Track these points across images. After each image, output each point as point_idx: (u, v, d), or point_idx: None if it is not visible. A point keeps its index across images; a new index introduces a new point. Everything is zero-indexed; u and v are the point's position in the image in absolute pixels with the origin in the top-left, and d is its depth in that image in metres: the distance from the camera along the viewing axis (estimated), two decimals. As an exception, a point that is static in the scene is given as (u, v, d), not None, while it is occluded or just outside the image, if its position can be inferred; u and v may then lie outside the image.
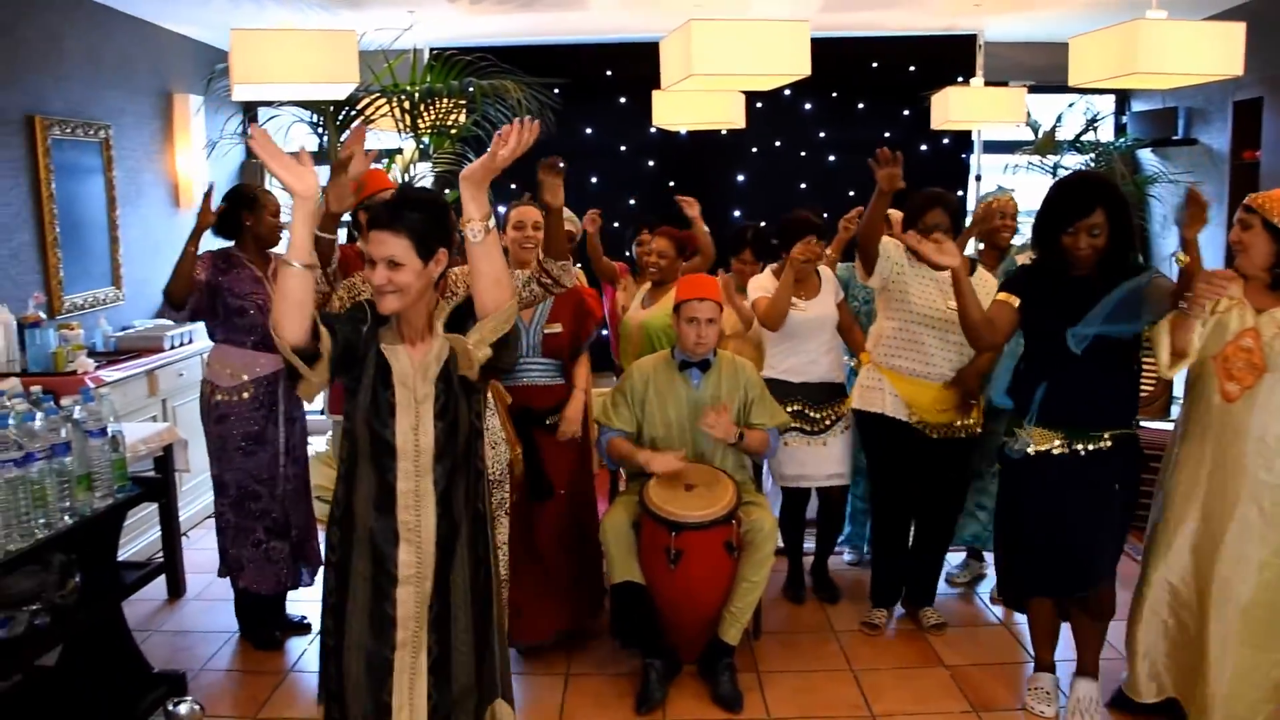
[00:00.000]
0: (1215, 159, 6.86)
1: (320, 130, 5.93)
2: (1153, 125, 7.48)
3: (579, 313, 4.14)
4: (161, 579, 4.33)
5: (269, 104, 6.24)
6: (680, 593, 3.77)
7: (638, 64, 6.46)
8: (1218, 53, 3.87)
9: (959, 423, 4.19)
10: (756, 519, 3.86)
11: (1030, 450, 3.34)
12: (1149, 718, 3.52)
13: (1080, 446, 3.29)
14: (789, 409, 4.37)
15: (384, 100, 5.75)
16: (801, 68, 3.85)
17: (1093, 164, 7.07)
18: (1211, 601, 3.29)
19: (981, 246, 4.76)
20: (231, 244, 4.23)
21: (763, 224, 5.46)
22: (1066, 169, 7.08)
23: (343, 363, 2.44)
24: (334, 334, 2.38)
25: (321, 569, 3.44)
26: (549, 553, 4.10)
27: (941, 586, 4.66)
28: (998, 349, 3.79)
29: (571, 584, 4.19)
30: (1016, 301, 3.36)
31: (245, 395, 4.13)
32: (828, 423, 4.52)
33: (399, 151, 6.26)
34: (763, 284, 4.55)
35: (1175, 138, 7.28)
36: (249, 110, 7.23)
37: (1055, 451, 3.31)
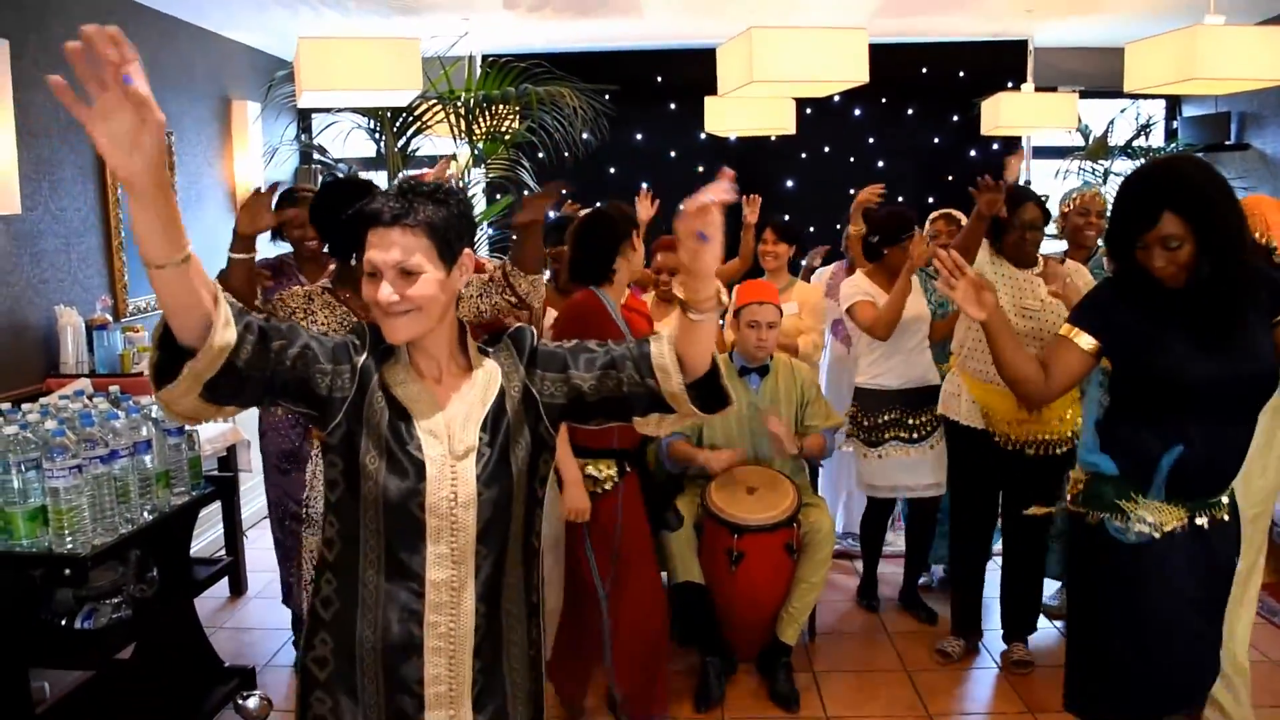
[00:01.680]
0: (1271, 164, 6.82)
1: (378, 135, 6.03)
2: (1205, 130, 7.44)
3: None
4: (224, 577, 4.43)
5: (326, 110, 6.36)
6: (740, 593, 3.82)
7: (689, 70, 6.53)
8: (1275, 57, 3.87)
9: (1042, 436, 3.87)
10: (815, 521, 3.91)
11: (1157, 534, 2.50)
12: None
13: (1202, 519, 2.53)
14: (886, 418, 4.33)
15: (440, 106, 5.84)
16: (860, 74, 3.89)
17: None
18: None
19: (1066, 247, 4.57)
20: (289, 250, 4.23)
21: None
22: (1118, 175, 7.06)
23: (285, 390, 1.75)
24: (247, 345, 1.65)
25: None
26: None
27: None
28: (1049, 401, 2.88)
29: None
30: (1089, 342, 2.56)
31: (279, 411, 4.07)
32: (928, 429, 4.35)
33: (454, 157, 6.34)
34: (862, 287, 4.36)
35: (1228, 143, 7.24)
36: (305, 117, 7.35)
37: (1179, 531, 2.51)
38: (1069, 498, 2.69)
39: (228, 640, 4.43)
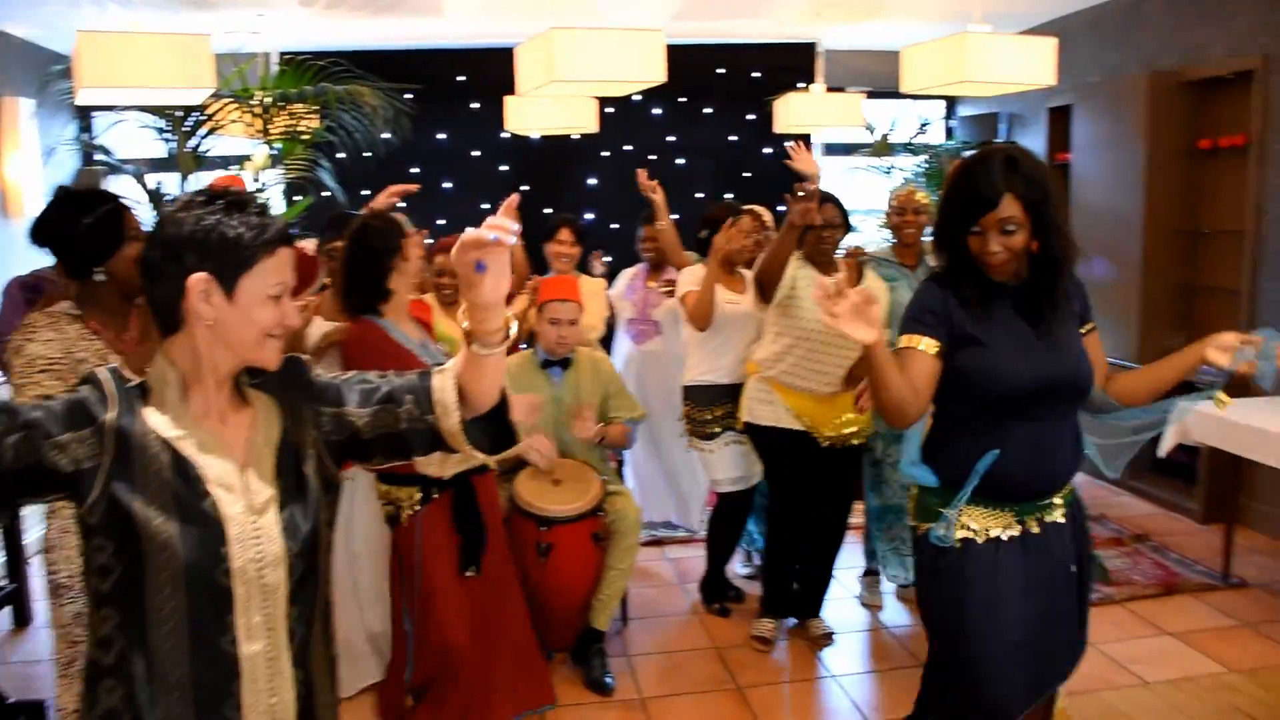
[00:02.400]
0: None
1: (168, 135, 5.81)
2: (978, 129, 8.01)
3: None
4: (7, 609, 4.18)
5: (109, 108, 6.07)
6: (551, 584, 3.89)
7: (490, 69, 6.54)
8: (1033, 64, 4.19)
9: (848, 431, 4.11)
10: (621, 509, 4.02)
11: (976, 539, 2.46)
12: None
13: (1033, 523, 2.50)
14: (719, 412, 4.36)
15: (235, 105, 5.67)
16: (657, 74, 4.00)
17: (925, 166, 7.47)
18: None
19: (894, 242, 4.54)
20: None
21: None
22: (902, 170, 7.47)
23: (18, 489, 1.50)
24: None
25: None
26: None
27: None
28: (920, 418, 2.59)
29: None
30: (932, 345, 2.45)
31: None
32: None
33: (249, 158, 6.17)
34: (697, 275, 4.33)
35: (998, 141, 7.77)
36: (86, 115, 6.99)
37: (1005, 536, 2.47)
38: (909, 512, 2.67)
39: (15, 674, 4.18)
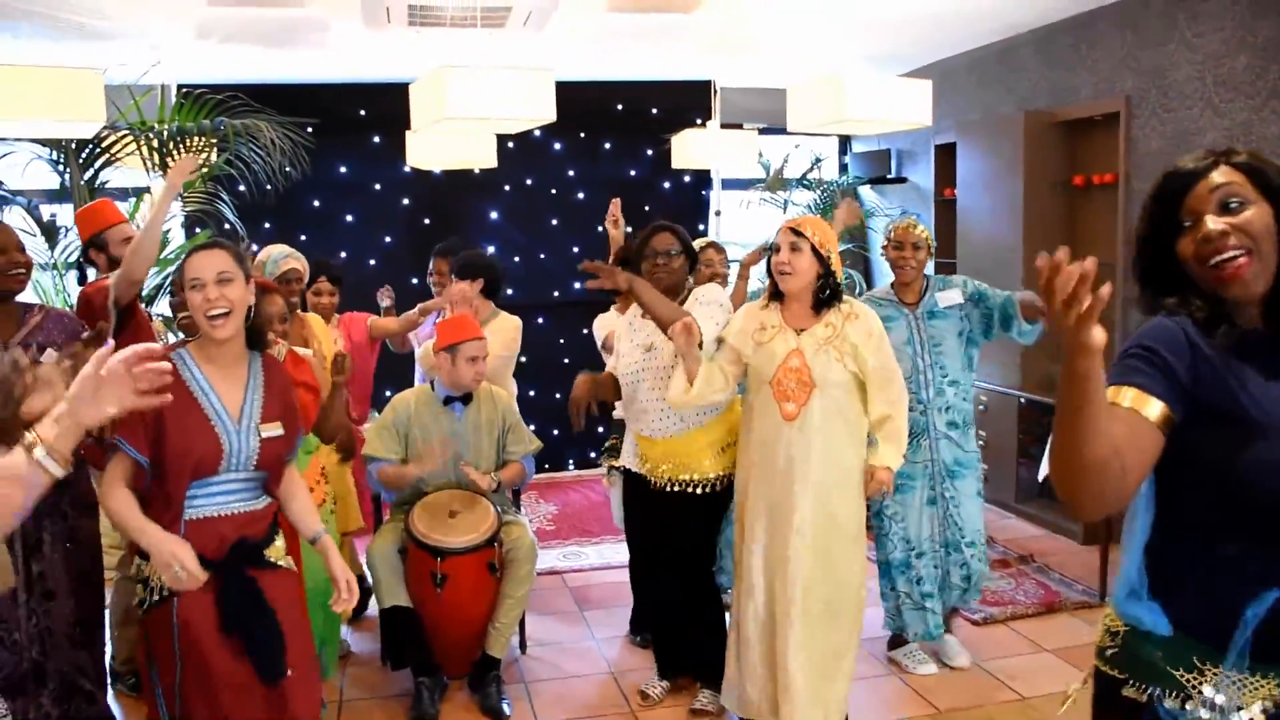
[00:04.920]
0: (923, 195, 7.64)
1: (62, 168, 5.76)
2: (870, 165, 8.31)
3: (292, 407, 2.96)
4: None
5: (2, 139, 6.00)
6: (447, 613, 3.95)
7: (389, 104, 6.57)
8: (911, 104, 4.37)
9: (688, 476, 3.79)
10: (516, 538, 4.09)
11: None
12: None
13: None
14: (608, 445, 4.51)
15: (131, 138, 5.65)
16: (547, 113, 4.10)
17: (819, 200, 7.70)
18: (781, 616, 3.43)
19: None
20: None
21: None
22: (796, 205, 7.68)
23: None
24: None
25: None
26: None
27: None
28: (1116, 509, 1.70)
29: None
30: (1156, 408, 1.64)
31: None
32: None
33: (148, 190, 6.13)
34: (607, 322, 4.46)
35: (890, 176, 8.07)
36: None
37: (1260, 715, 1.64)
38: (1096, 649, 1.84)
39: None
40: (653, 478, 3.85)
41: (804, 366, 3.38)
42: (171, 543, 2.52)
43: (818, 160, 7.85)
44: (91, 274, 4.04)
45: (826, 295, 3.46)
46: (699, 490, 3.78)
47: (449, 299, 4.60)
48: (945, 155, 7.15)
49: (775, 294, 3.55)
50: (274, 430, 2.77)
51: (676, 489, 3.79)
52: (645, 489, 3.89)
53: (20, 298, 3.45)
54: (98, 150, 5.70)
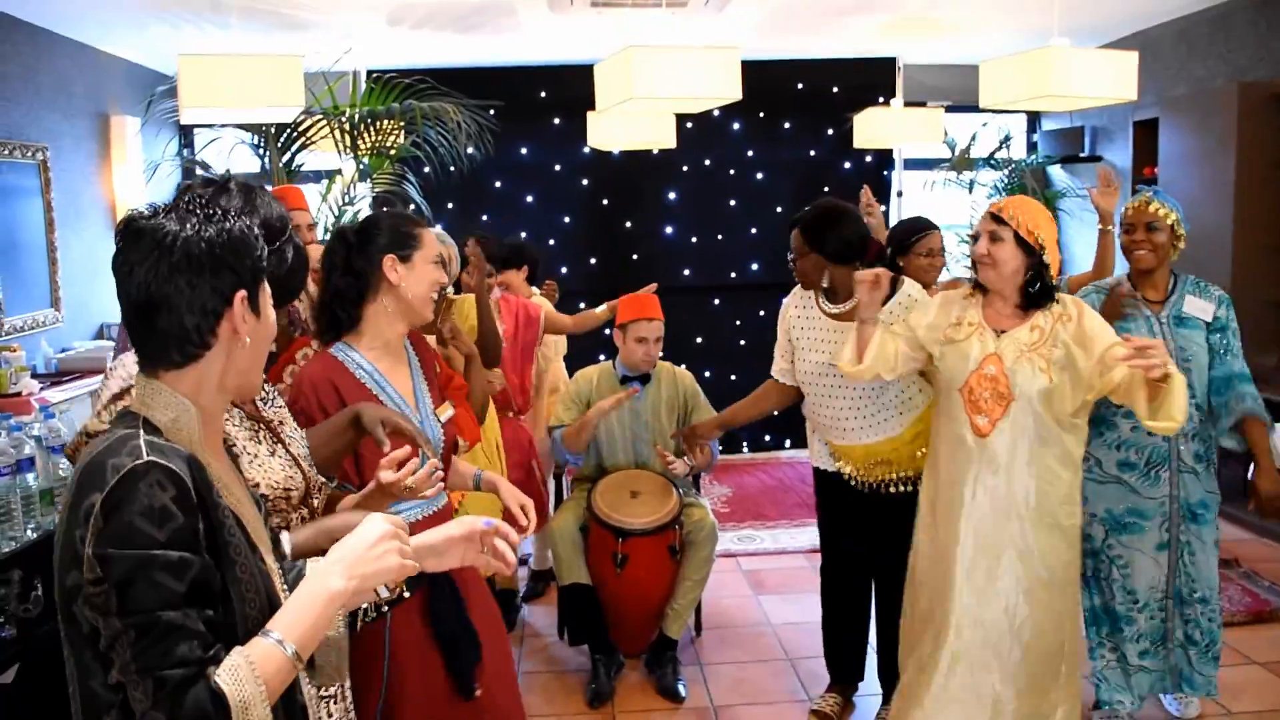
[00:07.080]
0: (1120, 175, 7.24)
1: (262, 151, 6.04)
2: (1061, 143, 7.91)
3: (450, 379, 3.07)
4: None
5: (209, 126, 6.33)
6: (626, 594, 3.96)
7: (571, 86, 6.67)
8: (1115, 78, 4.16)
9: (891, 475, 3.48)
10: (698, 520, 4.07)
11: None
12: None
13: None
14: None
15: (325, 122, 5.87)
16: (733, 91, 4.06)
17: (1006, 180, 7.40)
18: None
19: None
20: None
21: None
22: (983, 185, 7.42)
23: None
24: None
25: None
26: None
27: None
28: None
29: None
30: None
31: None
32: None
33: (339, 172, 6.37)
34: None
35: (1082, 155, 7.69)
36: (187, 132, 7.28)
37: None
38: None
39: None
40: (855, 479, 3.53)
41: (1001, 375, 2.91)
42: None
43: (1007, 138, 7.55)
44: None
45: (1036, 291, 2.94)
46: (905, 489, 3.45)
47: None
48: (1146, 132, 6.74)
49: (979, 285, 3.09)
50: (447, 412, 2.62)
51: (882, 490, 3.49)
52: (845, 489, 3.57)
53: None
54: (295, 134, 5.94)
